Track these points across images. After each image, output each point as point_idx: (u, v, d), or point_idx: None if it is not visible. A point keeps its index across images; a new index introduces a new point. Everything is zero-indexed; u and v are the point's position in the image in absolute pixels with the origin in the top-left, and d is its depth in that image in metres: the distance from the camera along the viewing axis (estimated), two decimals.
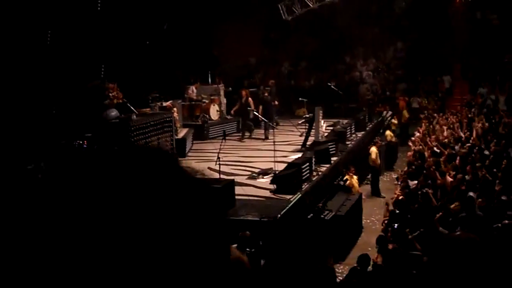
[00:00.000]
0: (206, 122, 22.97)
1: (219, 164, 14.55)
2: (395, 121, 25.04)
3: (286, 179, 14.91)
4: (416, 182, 14.40)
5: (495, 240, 9.54)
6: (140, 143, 16.05)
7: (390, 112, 26.01)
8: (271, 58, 30.93)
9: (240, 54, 29.03)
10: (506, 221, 10.20)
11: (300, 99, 26.00)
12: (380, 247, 11.50)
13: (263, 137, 22.05)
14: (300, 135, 21.39)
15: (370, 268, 10.67)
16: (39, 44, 17.40)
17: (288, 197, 14.16)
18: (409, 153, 18.61)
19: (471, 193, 11.91)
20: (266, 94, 23.67)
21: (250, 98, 22.33)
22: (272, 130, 20.31)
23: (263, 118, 21.31)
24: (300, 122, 22.35)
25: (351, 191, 16.23)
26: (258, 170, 16.84)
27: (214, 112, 23.52)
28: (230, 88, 26.07)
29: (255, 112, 21.69)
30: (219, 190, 12.65)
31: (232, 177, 14.91)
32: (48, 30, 17.57)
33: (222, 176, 14.50)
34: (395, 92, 30.06)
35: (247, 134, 22.63)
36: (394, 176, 20.32)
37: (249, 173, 16.72)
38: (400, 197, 14.05)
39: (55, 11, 17.11)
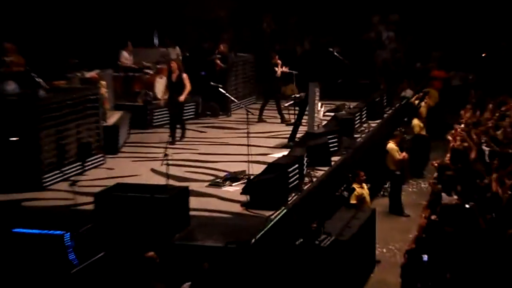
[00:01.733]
0: (150, 102, 22.90)
1: (167, 165, 14.54)
2: (424, 104, 24.97)
3: (265, 188, 14.91)
4: (454, 195, 14.45)
5: None
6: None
7: (411, 92, 26.08)
8: (247, 12, 30.95)
9: (207, 8, 29.07)
10: None
11: (287, 70, 25.85)
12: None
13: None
14: (287, 124, 21.41)
15: None
16: None
17: (267, 213, 14.16)
18: (447, 155, 18.68)
19: None
20: (218, 62, 24.15)
21: (185, 74, 21.49)
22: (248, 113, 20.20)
23: (232, 98, 21.33)
24: (286, 104, 22.34)
25: (360, 206, 16.28)
26: (225, 173, 16.88)
27: (161, 87, 23.21)
28: (188, 54, 26.03)
29: (220, 89, 21.56)
30: (166, 201, 12.62)
31: (186, 184, 14.93)
32: None
33: (171, 182, 14.47)
34: (428, 62, 30.20)
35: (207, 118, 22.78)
36: (424, 185, 20.41)
37: (212, 178, 16.76)
38: (432, 217, 14.09)
39: None
